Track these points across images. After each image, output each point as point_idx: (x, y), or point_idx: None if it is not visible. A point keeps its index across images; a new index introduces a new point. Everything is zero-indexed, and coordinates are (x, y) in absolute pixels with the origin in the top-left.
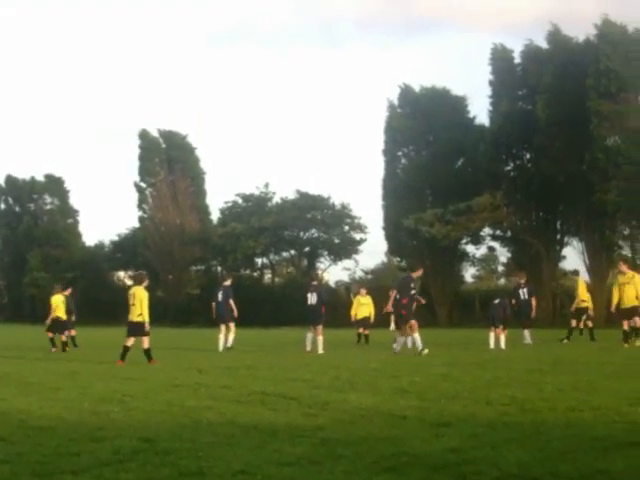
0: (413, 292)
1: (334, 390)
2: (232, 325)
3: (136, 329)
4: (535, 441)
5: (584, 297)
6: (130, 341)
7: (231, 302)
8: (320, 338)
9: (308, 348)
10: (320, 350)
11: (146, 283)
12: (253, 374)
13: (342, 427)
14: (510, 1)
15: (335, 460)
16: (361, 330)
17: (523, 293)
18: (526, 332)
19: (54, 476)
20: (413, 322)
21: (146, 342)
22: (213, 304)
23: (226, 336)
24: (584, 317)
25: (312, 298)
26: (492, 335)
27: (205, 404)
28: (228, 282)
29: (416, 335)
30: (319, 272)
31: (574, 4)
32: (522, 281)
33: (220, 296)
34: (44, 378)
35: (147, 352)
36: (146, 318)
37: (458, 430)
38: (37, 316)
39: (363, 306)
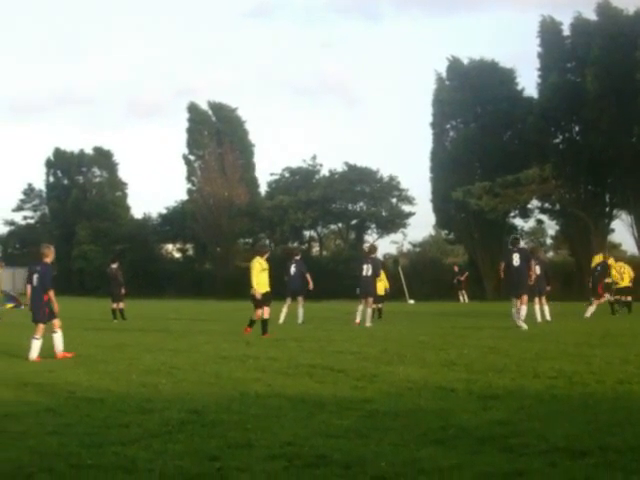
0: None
1: (382, 363)
2: (301, 299)
3: (254, 301)
4: (583, 414)
5: None
6: (256, 314)
7: (307, 275)
8: (369, 311)
9: (357, 320)
10: (368, 323)
11: (265, 255)
12: (300, 346)
13: (390, 399)
14: None
15: (382, 432)
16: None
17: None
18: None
19: (103, 447)
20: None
21: (261, 313)
22: (285, 278)
23: (289, 309)
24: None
25: (367, 270)
26: (537, 308)
27: (253, 376)
28: (299, 256)
29: (523, 307)
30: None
31: None
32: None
33: (293, 269)
34: (92, 350)
35: (263, 322)
36: (255, 287)
37: (506, 403)
38: (86, 288)
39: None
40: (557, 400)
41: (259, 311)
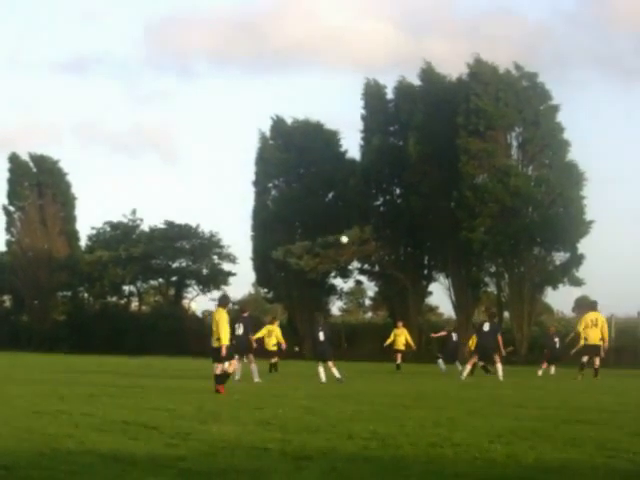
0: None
1: (196, 420)
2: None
3: (216, 354)
4: (395, 476)
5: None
6: (218, 368)
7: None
8: (334, 370)
9: (323, 379)
10: (337, 375)
11: (227, 306)
12: (115, 402)
13: (203, 458)
14: (378, 41)
15: None
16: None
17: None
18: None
19: None
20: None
21: (219, 369)
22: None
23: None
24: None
25: (321, 336)
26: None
27: (65, 432)
28: (246, 313)
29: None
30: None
31: (448, 45)
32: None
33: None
34: None
35: (218, 377)
36: (223, 341)
37: (319, 464)
38: None
39: None
40: (369, 462)
41: (219, 367)
